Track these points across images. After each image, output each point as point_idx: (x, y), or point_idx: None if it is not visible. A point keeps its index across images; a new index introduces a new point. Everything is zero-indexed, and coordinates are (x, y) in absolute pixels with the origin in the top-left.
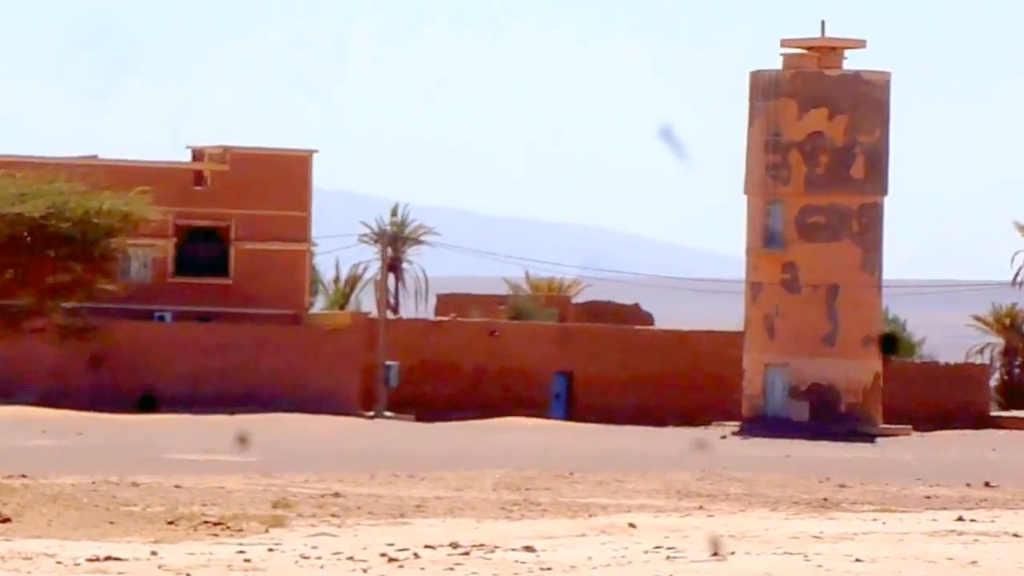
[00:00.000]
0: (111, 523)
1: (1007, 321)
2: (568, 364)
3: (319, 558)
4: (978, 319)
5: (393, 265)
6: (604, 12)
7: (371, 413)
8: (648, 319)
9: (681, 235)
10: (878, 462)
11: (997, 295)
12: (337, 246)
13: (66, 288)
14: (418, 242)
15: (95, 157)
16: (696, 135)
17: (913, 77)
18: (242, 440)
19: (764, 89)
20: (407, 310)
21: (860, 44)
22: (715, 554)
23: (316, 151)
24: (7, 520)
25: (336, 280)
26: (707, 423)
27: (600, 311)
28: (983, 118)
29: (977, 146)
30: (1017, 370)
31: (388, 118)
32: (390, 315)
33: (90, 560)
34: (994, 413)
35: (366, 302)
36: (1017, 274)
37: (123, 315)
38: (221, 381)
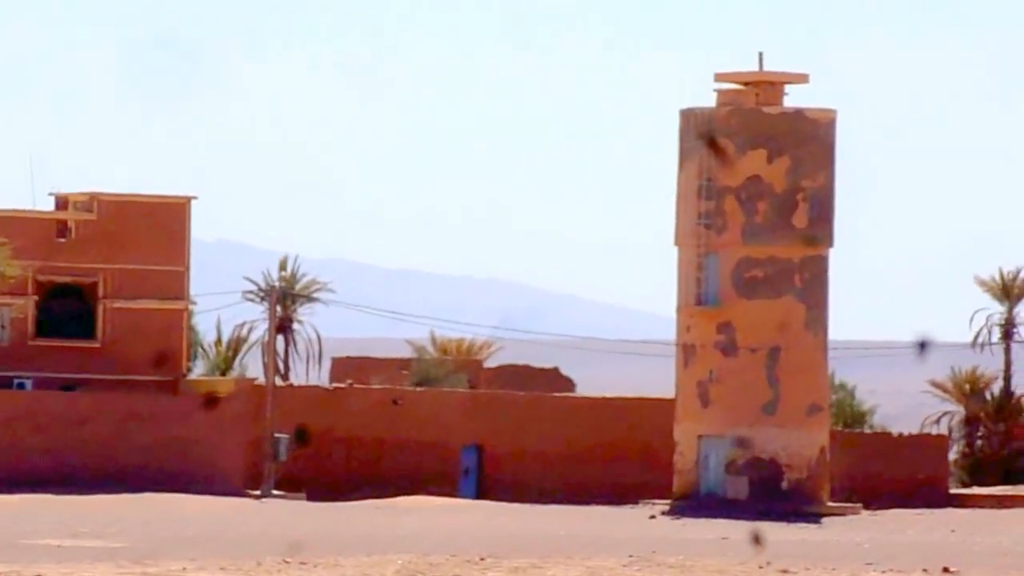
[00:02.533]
0: None
1: (967, 387)
2: (479, 436)
3: None
4: (935, 384)
5: (282, 325)
6: (515, 48)
7: (258, 492)
8: (569, 385)
9: (606, 292)
10: (825, 544)
11: (956, 358)
12: (219, 304)
13: None
14: (310, 299)
15: None
16: (622, 180)
17: (861, 114)
18: None
19: (696, 129)
20: (298, 375)
21: (802, 79)
22: None
23: (194, 198)
24: None
25: (218, 342)
26: (635, 501)
27: (515, 376)
28: (940, 161)
29: (934, 192)
30: (979, 441)
31: (275, 162)
32: (279, 381)
33: None
34: (954, 490)
35: (252, 367)
36: (978, 334)
37: None
38: (88, 457)
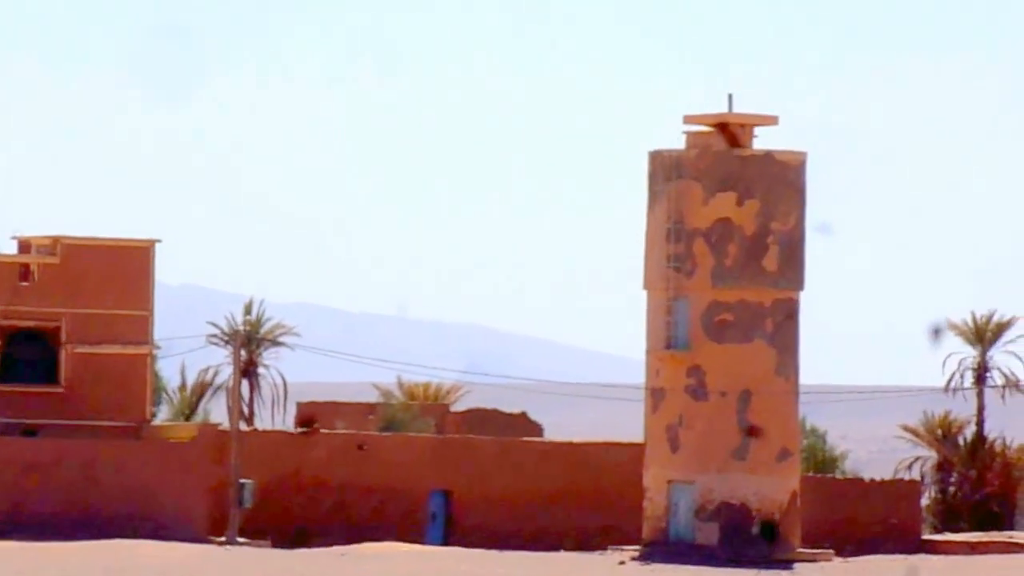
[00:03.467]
0: None
1: (940, 432)
2: (447, 481)
3: None
4: (908, 429)
5: (247, 369)
6: (483, 92)
7: (222, 539)
8: (537, 429)
9: (574, 335)
10: None
11: (929, 403)
12: (183, 348)
13: None
14: (275, 343)
15: None
16: (591, 223)
17: (832, 157)
18: None
19: (665, 171)
20: (263, 420)
21: (772, 121)
22: None
23: (159, 241)
24: None
25: (182, 387)
26: (604, 547)
27: (483, 420)
28: (911, 204)
29: (905, 235)
30: (952, 487)
31: (240, 205)
32: (243, 426)
33: None
34: (927, 536)
35: (216, 412)
36: (951, 379)
37: None
38: (49, 504)
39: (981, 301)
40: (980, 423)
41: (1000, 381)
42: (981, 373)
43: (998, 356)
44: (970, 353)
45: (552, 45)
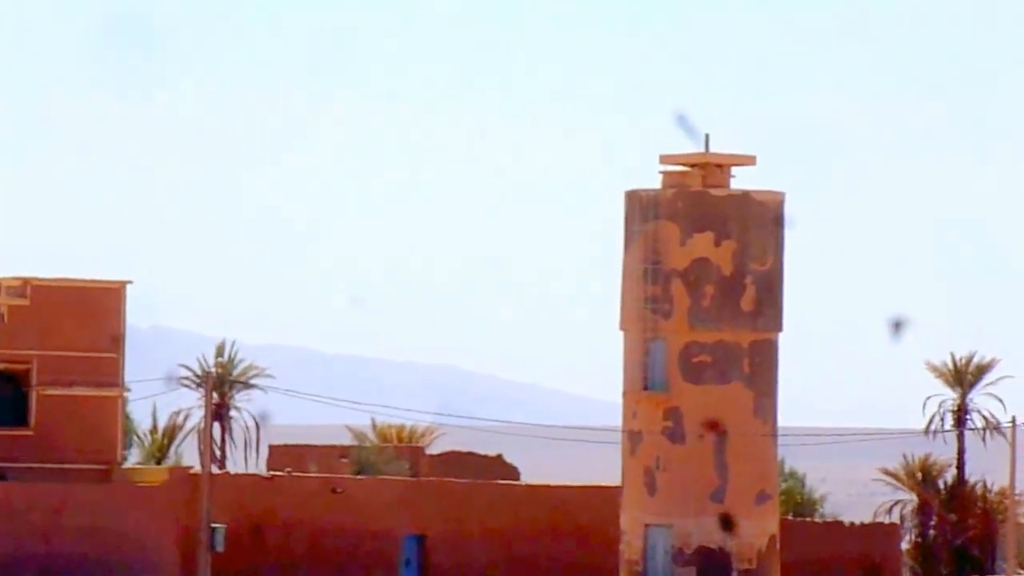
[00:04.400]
0: None
1: (919, 475)
2: (421, 525)
3: None
4: (887, 472)
5: (219, 412)
6: (458, 128)
7: None
8: (513, 472)
9: (551, 377)
10: None
11: (909, 445)
12: (154, 391)
13: None
14: (247, 385)
15: None
16: (567, 262)
17: (809, 197)
18: None
19: (642, 211)
20: (235, 464)
21: (749, 160)
22: None
23: (129, 282)
24: None
25: (153, 430)
26: None
27: (458, 463)
28: (890, 244)
29: (884, 277)
30: (932, 530)
31: (211, 246)
32: (215, 469)
33: None
34: None
35: (188, 455)
36: (931, 421)
37: None
38: (20, 547)
39: (961, 343)
40: (960, 466)
41: (980, 424)
42: (961, 416)
43: (978, 398)
44: (950, 395)
45: (528, 84)
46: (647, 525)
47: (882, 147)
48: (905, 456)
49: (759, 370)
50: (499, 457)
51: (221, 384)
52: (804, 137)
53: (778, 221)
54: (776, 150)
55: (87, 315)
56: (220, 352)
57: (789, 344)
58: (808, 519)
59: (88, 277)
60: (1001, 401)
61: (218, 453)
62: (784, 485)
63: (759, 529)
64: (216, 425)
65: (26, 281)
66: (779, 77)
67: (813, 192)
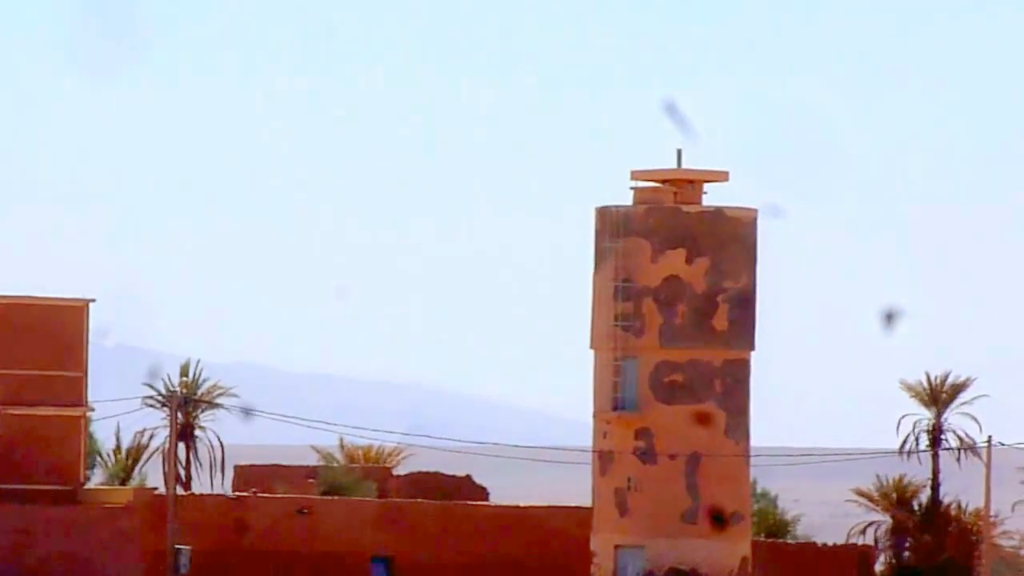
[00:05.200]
0: None
1: (894, 496)
2: (389, 547)
3: None
4: (861, 494)
5: (184, 432)
6: (422, 140)
7: None
8: (482, 493)
9: (521, 396)
10: None
11: (883, 466)
12: (118, 410)
13: None
14: (213, 405)
15: None
16: (538, 280)
17: (787, 207)
18: None
19: (613, 227)
20: (201, 485)
21: (722, 176)
22: None
23: (92, 300)
24: None
25: (117, 450)
26: None
27: (427, 484)
28: (863, 261)
29: (858, 294)
30: (907, 552)
31: (174, 263)
32: (180, 491)
33: None
34: None
35: (152, 476)
36: (905, 441)
37: None
38: None
39: (936, 362)
40: (935, 487)
41: (956, 444)
42: (936, 436)
43: (953, 418)
44: (925, 415)
45: (500, 97)
46: (618, 546)
47: (858, 154)
48: (879, 477)
49: (732, 390)
50: (468, 478)
51: (186, 404)
52: (783, 143)
53: (752, 238)
54: (754, 158)
55: (50, 334)
56: (185, 371)
57: (763, 363)
58: (781, 540)
59: (51, 295)
60: (977, 421)
61: (183, 474)
62: (757, 506)
63: (731, 551)
64: (181, 445)
65: None
66: (755, 91)
67: (793, 205)
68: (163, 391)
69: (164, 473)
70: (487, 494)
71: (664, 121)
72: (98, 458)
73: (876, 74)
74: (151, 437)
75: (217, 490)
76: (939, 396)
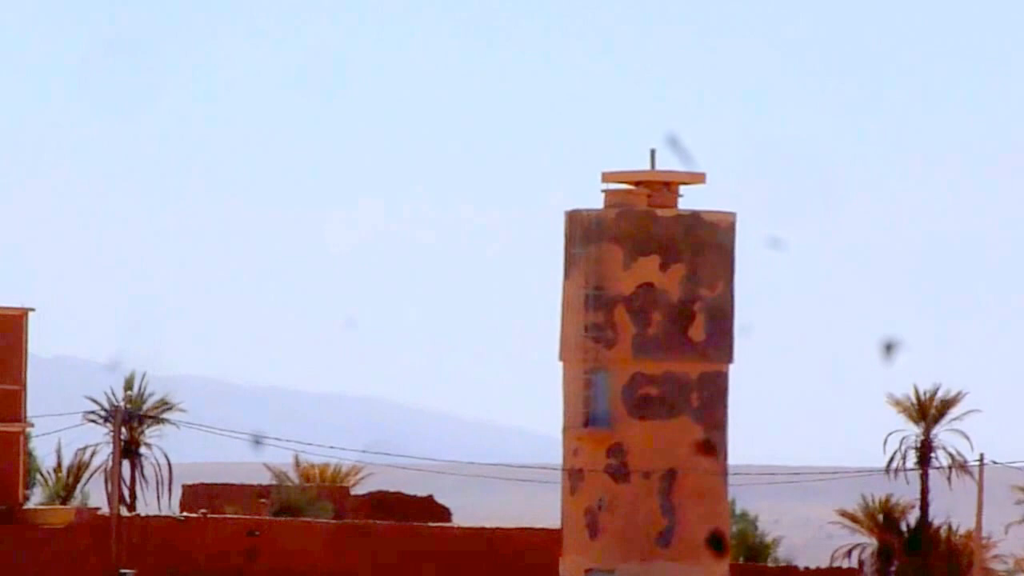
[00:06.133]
0: None
1: (880, 516)
2: (346, 570)
3: None
4: (845, 514)
5: (128, 449)
6: (370, 149)
7: None
8: (445, 514)
9: (486, 411)
10: None
11: (868, 485)
12: (59, 426)
13: None
14: (159, 420)
15: None
16: (503, 288)
17: (762, 218)
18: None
19: (583, 232)
20: (146, 505)
21: (699, 179)
22: None
23: (32, 310)
24: None
25: (58, 468)
26: None
27: (386, 504)
28: (849, 269)
29: (843, 303)
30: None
31: (117, 271)
32: (125, 511)
33: None
34: None
35: (95, 495)
36: (892, 459)
37: None
38: None
39: (924, 375)
40: (924, 507)
41: (946, 461)
42: (925, 453)
43: (943, 435)
44: (913, 431)
45: (458, 104)
46: (588, 570)
47: (844, 173)
48: (864, 497)
49: (709, 404)
50: (429, 498)
51: (130, 419)
52: (763, 142)
53: (730, 243)
54: (732, 159)
55: None
56: (129, 385)
57: (741, 376)
58: (761, 564)
59: None
60: (968, 438)
61: (128, 493)
62: (735, 527)
63: (708, 573)
64: (125, 463)
65: None
66: (729, 91)
67: (769, 216)
68: (106, 405)
69: (107, 492)
70: (450, 515)
71: (640, 126)
72: (38, 476)
73: (860, 89)
74: (93, 454)
75: (164, 510)
76: (928, 411)
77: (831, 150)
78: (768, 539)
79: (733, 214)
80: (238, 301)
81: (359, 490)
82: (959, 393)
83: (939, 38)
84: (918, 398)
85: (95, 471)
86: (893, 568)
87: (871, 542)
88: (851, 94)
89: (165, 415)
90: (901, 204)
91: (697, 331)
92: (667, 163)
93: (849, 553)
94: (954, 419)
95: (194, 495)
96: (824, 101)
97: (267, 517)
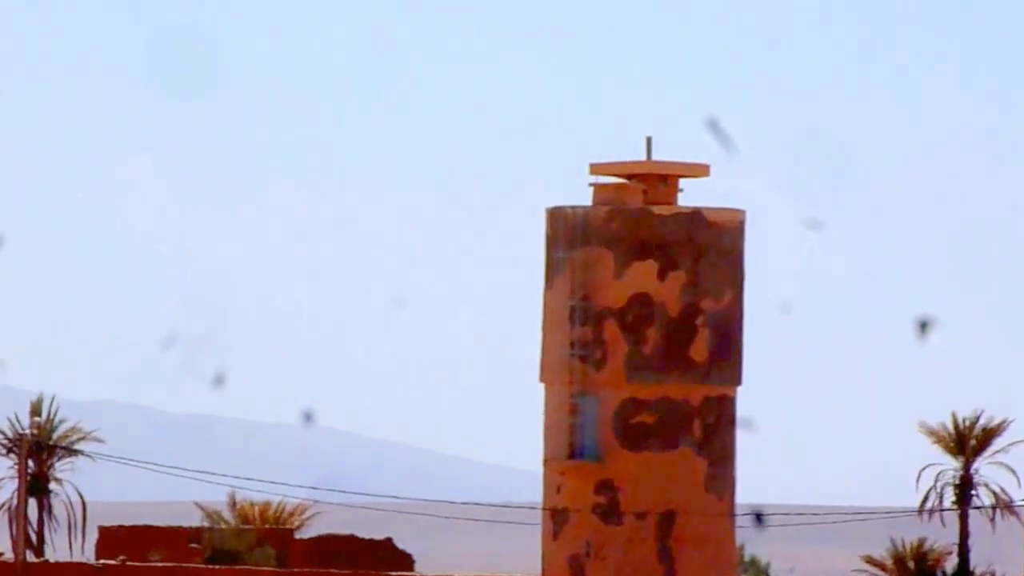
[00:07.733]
0: None
1: (912, 563)
2: None
3: None
4: (871, 561)
5: (36, 485)
6: (336, 152)
7: None
8: (406, 560)
9: (452, 443)
10: None
11: (898, 527)
12: None
13: None
14: (71, 452)
15: None
16: (476, 300)
17: (773, 215)
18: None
19: (567, 233)
20: (56, 550)
21: (702, 171)
22: None
23: None
24: None
25: None
26: None
27: (337, 549)
28: (870, 277)
29: (868, 317)
30: None
31: (30, 285)
32: (31, 557)
33: None
34: None
35: None
36: (926, 498)
37: None
38: None
39: (964, 402)
40: (964, 552)
41: (988, 500)
42: (965, 490)
43: (985, 469)
44: (951, 465)
45: (432, 105)
46: None
47: (883, 172)
48: (894, 540)
49: (713, 433)
50: (388, 541)
51: (39, 450)
52: (771, 135)
53: (738, 247)
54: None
55: None
56: (37, 411)
57: (751, 401)
58: None
59: None
60: (1014, 472)
61: (35, 536)
62: (744, 575)
63: None
64: (32, 500)
65: None
66: (727, 76)
67: (784, 206)
68: (9, 434)
69: (12, 535)
70: (412, 562)
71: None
72: None
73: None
74: None
75: (77, 556)
76: (968, 442)
77: (877, 159)
78: None
79: (742, 212)
80: (164, 321)
81: (306, 533)
82: (1003, 421)
83: (971, 16)
84: (956, 427)
85: None
86: None
87: None
88: (880, 78)
89: (78, 446)
90: (936, 207)
91: (699, 349)
92: (664, 152)
93: None
94: (997, 451)
95: (112, 539)
96: (851, 87)
97: (198, 565)
